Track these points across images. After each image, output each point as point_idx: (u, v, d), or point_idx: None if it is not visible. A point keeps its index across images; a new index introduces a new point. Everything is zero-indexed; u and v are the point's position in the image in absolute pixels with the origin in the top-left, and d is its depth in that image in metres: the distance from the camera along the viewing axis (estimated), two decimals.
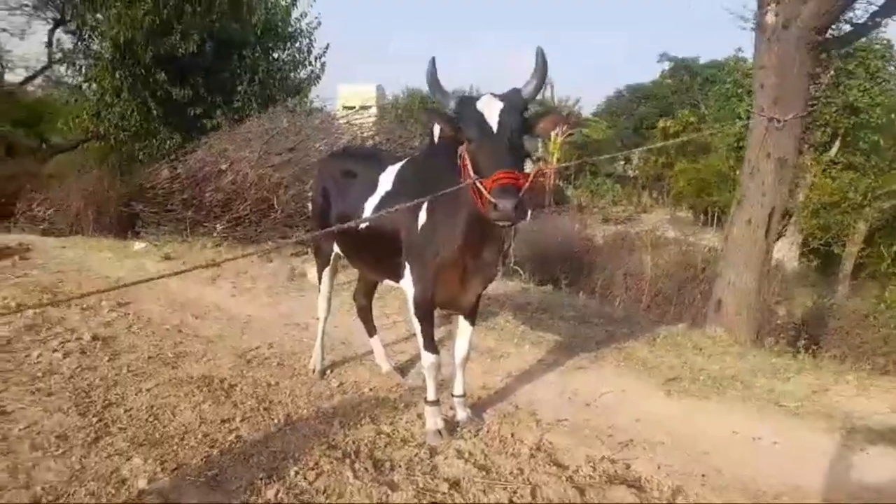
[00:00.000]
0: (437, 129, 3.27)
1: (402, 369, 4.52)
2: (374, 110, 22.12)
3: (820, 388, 4.06)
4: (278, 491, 2.88)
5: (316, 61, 15.41)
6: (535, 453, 3.29)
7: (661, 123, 28.53)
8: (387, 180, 3.64)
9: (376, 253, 3.70)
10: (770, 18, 4.90)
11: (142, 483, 2.93)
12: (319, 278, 4.47)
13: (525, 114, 2.88)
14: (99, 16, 12.81)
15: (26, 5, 14.96)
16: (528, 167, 3.12)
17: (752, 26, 5.13)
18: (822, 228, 16.33)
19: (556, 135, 29.14)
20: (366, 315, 4.69)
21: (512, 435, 3.51)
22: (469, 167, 2.81)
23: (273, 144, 9.64)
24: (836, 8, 4.73)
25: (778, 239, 17.57)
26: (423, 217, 3.24)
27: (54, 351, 4.76)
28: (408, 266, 3.38)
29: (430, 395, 3.53)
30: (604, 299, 11.29)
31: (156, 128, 13.32)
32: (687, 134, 22.49)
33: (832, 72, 16.70)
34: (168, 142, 13.19)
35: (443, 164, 3.07)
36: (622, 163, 31.89)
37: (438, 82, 2.99)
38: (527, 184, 2.71)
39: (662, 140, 24.75)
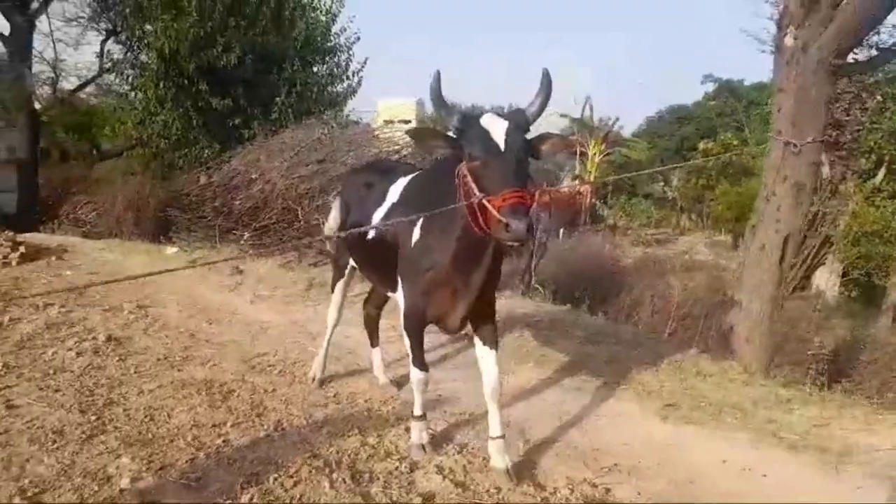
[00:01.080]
0: None
1: (399, 383, 4.53)
2: (413, 124, 22.34)
3: (823, 422, 3.93)
4: (253, 496, 2.93)
5: (354, 76, 15.69)
6: (517, 473, 3.26)
7: (701, 145, 28.01)
8: (395, 192, 3.65)
9: (379, 264, 3.69)
10: (789, 41, 4.81)
11: (124, 482, 3.00)
12: (333, 288, 4.53)
13: (527, 135, 2.82)
14: (148, 27, 13.28)
15: (82, 17, 15.61)
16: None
17: (771, 49, 5.05)
18: (863, 258, 15.74)
19: (595, 154, 29.00)
20: (371, 326, 4.73)
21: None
22: (472, 185, 2.71)
23: (303, 156, 9.83)
24: (857, 32, 4.62)
25: (818, 267, 17.20)
26: (416, 233, 3.21)
27: (69, 349, 4.94)
28: (400, 280, 3.37)
29: (417, 410, 3.51)
30: (627, 320, 11.15)
31: (196, 137, 13.71)
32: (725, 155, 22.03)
33: (879, 97, 16.23)
34: (207, 150, 13.57)
35: (446, 179, 3.00)
36: (661, 184, 31.42)
37: (442, 97, 2.91)
38: (534, 204, 2.67)
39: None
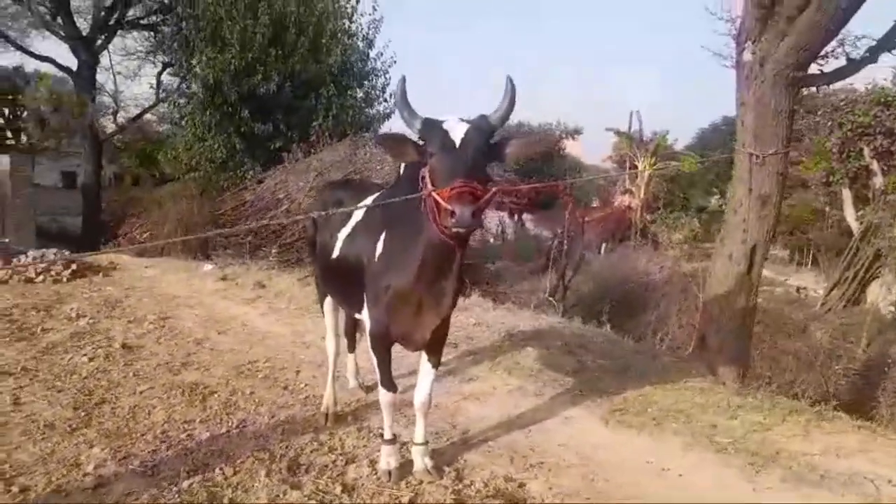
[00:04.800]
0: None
1: (370, 387, 4.81)
2: None
3: (762, 428, 3.99)
4: (193, 482, 3.28)
5: (391, 98, 16.23)
6: (443, 468, 3.50)
7: None
8: (360, 211, 3.70)
9: (343, 285, 3.74)
10: (747, 56, 4.91)
11: (89, 468, 3.43)
12: (322, 310, 4.44)
13: (491, 140, 2.87)
14: (195, 60, 14.23)
15: (140, 51, 16.88)
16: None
17: (731, 64, 5.13)
18: None
19: (644, 168, 28.68)
20: (351, 332, 4.82)
21: (433, 450, 3.73)
22: (429, 185, 2.77)
23: (327, 175, 10.33)
24: (812, 45, 4.68)
25: (872, 281, 16.53)
26: (380, 247, 3.23)
27: (84, 355, 5.46)
28: (366, 297, 3.34)
29: (386, 434, 3.48)
30: (653, 336, 11.13)
31: (240, 160, 14.51)
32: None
33: None
34: (250, 172, 14.33)
35: (408, 191, 2.99)
36: (717, 196, 30.73)
37: (407, 101, 2.94)
38: (487, 197, 2.69)
39: None
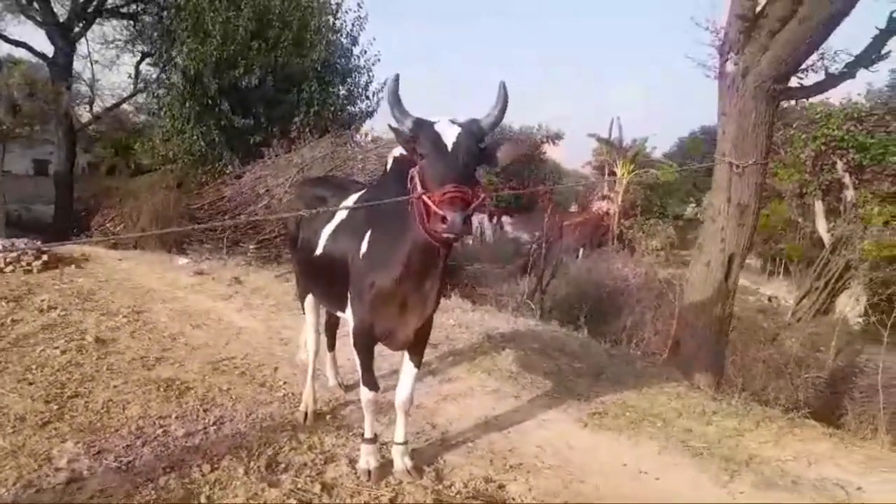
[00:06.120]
0: (390, 159, 3.38)
1: (349, 386, 4.79)
2: None
3: (736, 433, 4.07)
4: (170, 479, 3.24)
5: (374, 96, 16.21)
6: (423, 468, 3.50)
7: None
8: (344, 209, 3.67)
9: (326, 283, 3.70)
10: (730, 67, 5.00)
11: (62, 462, 3.37)
12: (303, 308, 4.38)
13: (482, 144, 2.85)
14: (175, 50, 14.04)
15: (119, 40, 16.60)
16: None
17: (714, 75, 5.21)
18: (883, 283, 15.46)
19: (623, 174, 28.95)
20: (332, 330, 4.82)
21: (413, 450, 3.72)
22: (419, 187, 2.75)
23: (309, 171, 10.27)
24: (793, 58, 4.78)
25: (841, 292, 16.89)
26: (364, 245, 3.20)
27: (56, 348, 5.37)
28: (350, 295, 3.32)
29: (367, 433, 3.47)
30: (628, 341, 11.25)
31: (219, 153, 14.34)
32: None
33: None
34: (229, 167, 14.17)
35: (394, 190, 3.00)
36: (692, 205, 31.12)
37: (399, 100, 2.91)
38: (476, 203, 2.65)
39: None
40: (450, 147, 2.71)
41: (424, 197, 2.68)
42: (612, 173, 29.50)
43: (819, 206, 18.14)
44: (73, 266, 9.60)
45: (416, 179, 2.79)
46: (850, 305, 16.35)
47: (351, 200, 3.76)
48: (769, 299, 19.51)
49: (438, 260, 3.01)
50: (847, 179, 17.22)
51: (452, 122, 2.83)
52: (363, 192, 3.81)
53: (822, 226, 18.05)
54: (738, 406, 4.54)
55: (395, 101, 2.92)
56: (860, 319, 16.63)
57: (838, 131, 16.48)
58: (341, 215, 3.66)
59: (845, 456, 3.96)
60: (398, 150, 3.22)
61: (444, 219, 2.54)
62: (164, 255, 11.57)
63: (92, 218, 15.52)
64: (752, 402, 4.86)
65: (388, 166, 3.38)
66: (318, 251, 3.65)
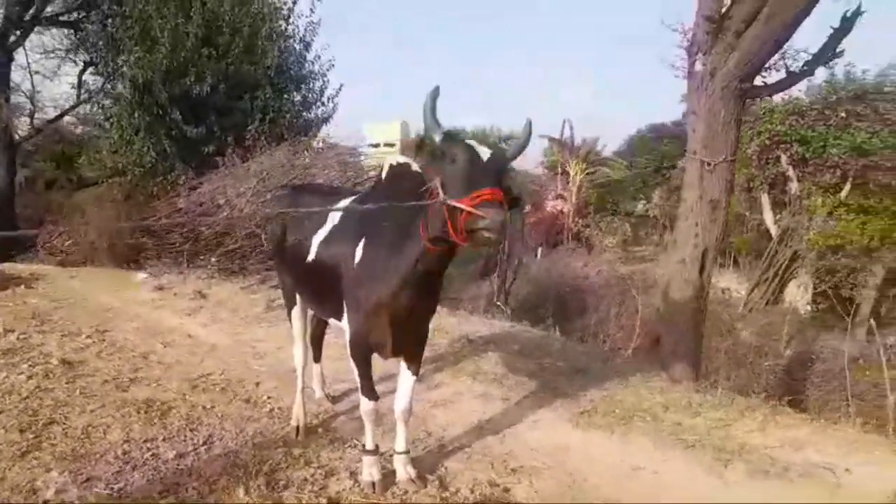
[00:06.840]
0: (386, 166, 3.36)
1: (336, 398, 4.73)
2: (397, 147, 22.68)
3: (723, 424, 4.18)
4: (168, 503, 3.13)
5: (329, 101, 16.00)
6: (426, 476, 3.47)
7: (680, 163, 28.50)
8: (336, 216, 3.58)
9: (320, 290, 3.64)
10: (698, 67, 5.14)
11: (49, 493, 3.21)
12: (290, 318, 4.26)
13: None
14: (122, 59, 13.56)
15: (59, 49, 15.95)
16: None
17: (683, 75, 5.38)
18: (828, 272, 16.13)
19: (576, 173, 29.39)
20: (317, 342, 4.71)
21: (412, 459, 3.69)
22: (441, 194, 2.70)
23: (269, 181, 10.08)
24: (758, 58, 4.95)
25: (789, 282, 17.53)
26: (359, 253, 3.17)
27: (20, 373, 5.12)
28: (345, 305, 3.28)
29: (368, 444, 3.43)
30: (594, 338, 11.44)
31: (171, 164, 13.92)
32: None
33: (842, 114, 16.73)
34: (182, 178, 13.77)
35: (388, 201, 2.98)
36: (642, 202, 31.81)
37: (435, 112, 2.87)
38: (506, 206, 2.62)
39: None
40: (485, 158, 2.73)
41: (453, 201, 2.62)
42: (565, 173, 29.92)
43: (765, 199, 18.77)
44: (23, 286, 9.21)
45: (438, 187, 2.73)
46: (799, 294, 16.98)
47: (342, 206, 3.70)
48: (722, 291, 20.10)
49: (441, 269, 3.03)
50: (791, 172, 17.86)
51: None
52: (355, 198, 3.74)
53: (769, 218, 18.68)
54: (720, 397, 4.66)
55: (432, 114, 2.86)
56: (809, 307, 17.33)
57: (781, 126, 17.06)
58: (333, 221, 3.59)
59: (825, 440, 4.10)
60: (394, 158, 3.22)
61: (482, 218, 2.50)
62: (118, 272, 11.21)
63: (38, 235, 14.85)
64: (732, 392, 5.00)
65: (384, 173, 3.35)
66: (310, 258, 3.58)
